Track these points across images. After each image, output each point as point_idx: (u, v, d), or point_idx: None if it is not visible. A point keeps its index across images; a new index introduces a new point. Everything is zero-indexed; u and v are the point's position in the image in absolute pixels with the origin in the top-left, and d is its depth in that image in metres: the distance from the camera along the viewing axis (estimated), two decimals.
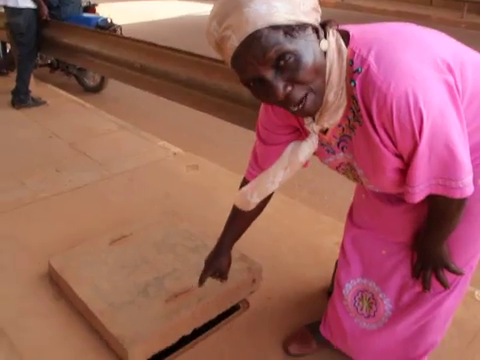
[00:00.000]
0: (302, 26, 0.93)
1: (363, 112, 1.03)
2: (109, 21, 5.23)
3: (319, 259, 2.23)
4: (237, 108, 2.64)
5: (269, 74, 0.94)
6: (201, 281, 1.59)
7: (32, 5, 4.19)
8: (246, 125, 2.55)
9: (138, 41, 3.34)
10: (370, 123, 1.03)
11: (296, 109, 1.01)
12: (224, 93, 2.68)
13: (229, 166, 3.18)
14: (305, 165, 1.33)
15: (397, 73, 0.95)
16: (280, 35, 0.90)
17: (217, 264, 1.59)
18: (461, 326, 1.84)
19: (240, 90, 2.45)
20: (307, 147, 1.22)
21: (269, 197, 1.42)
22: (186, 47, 3.11)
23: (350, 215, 1.54)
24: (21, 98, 4.46)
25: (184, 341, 1.77)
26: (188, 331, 1.78)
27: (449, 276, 1.29)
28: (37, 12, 4.27)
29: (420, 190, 1.07)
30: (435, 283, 1.30)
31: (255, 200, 1.32)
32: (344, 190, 2.97)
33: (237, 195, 1.37)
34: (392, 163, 1.07)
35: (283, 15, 0.90)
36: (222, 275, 1.63)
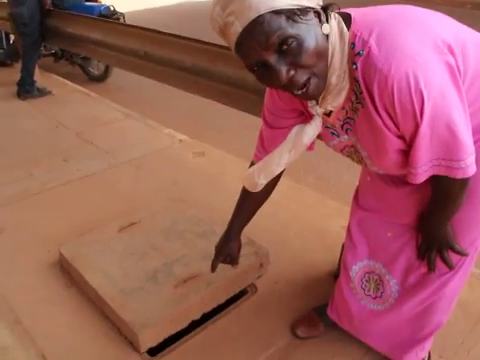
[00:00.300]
0: (304, 10, 0.94)
1: (365, 94, 1.04)
2: (112, 9, 5.22)
3: (326, 243, 2.25)
4: (242, 94, 2.64)
5: (272, 58, 0.96)
6: (213, 267, 1.62)
7: None
8: (251, 111, 2.55)
9: (142, 29, 3.33)
10: (372, 105, 1.04)
11: (300, 92, 1.02)
12: (229, 79, 2.68)
13: (235, 152, 3.19)
14: (310, 148, 1.35)
15: (398, 55, 0.96)
16: (282, 20, 0.92)
17: (227, 249, 1.61)
18: (466, 307, 1.85)
19: (245, 76, 2.45)
20: (311, 130, 1.23)
21: (276, 181, 1.44)
22: (187, 33, 3.11)
23: (356, 198, 1.55)
24: (27, 88, 4.47)
25: (194, 325, 1.80)
26: (197, 316, 1.81)
27: (454, 257, 1.30)
28: (40, 2, 4.27)
29: (423, 171, 1.08)
30: (440, 264, 1.32)
31: (262, 181, 1.34)
32: (350, 174, 2.97)
33: (244, 176, 1.39)
34: (394, 144, 1.08)
35: (285, 0, 0.91)
36: (233, 260, 1.65)
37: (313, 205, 2.62)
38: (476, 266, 1.99)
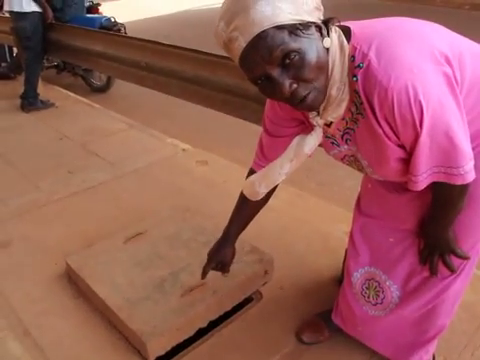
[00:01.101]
0: (306, 25, 0.98)
1: (366, 106, 1.07)
2: (113, 21, 5.27)
3: (329, 248, 2.27)
4: (243, 103, 2.68)
5: (275, 72, 0.99)
6: (204, 273, 1.64)
7: (37, 8, 4.23)
8: (252, 119, 2.58)
9: (143, 40, 3.37)
10: (373, 116, 1.07)
11: (299, 104, 1.05)
12: (229, 88, 2.72)
13: (238, 161, 3.22)
14: (309, 156, 1.38)
15: (397, 67, 0.99)
16: (285, 34, 0.95)
17: (220, 256, 1.63)
18: (470, 310, 1.87)
19: (245, 85, 2.48)
20: (312, 140, 1.26)
21: (274, 189, 1.47)
22: (188, 41, 3.15)
23: (358, 204, 1.58)
24: (30, 101, 4.52)
25: (200, 333, 1.82)
26: (204, 323, 1.83)
27: (455, 260, 1.32)
28: (43, 16, 4.32)
29: (423, 178, 1.11)
30: (442, 268, 1.34)
31: (263, 190, 1.37)
32: (352, 180, 2.99)
33: (245, 184, 1.41)
34: (395, 153, 1.11)
35: (287, 15, 0.95)
36: (224, 267, 1.67)
37: (316, 211, 2.65)
38: (479, 268, 2.02)
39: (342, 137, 1.22)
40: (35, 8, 4.22)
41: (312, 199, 2.79)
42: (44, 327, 1.90)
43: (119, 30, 5.18)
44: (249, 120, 2.65)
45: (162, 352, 1.72)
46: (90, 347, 1.80)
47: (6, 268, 2.26)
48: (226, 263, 1.66)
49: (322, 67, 1.02)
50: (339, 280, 1.91)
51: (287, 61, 0.97)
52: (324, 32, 1.03)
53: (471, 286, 1.78)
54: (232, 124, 3.37)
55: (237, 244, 1.69)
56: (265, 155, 1.41)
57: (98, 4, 6.20)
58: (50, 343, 1.82)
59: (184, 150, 3.52)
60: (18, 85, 5.23)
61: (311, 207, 2.69)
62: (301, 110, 1.14)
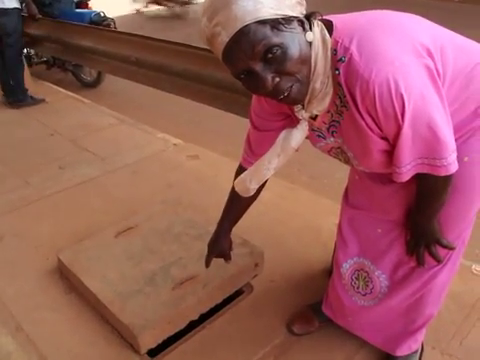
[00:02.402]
0: (287, 19, 0.98)
1: (348, 98, 1.08)
2: (102, 15, 5.25)
3: (320, 241, 2.29)
4: (233, 97, 2.69)
5: (258, 67, 1.00)
6: (207, 263, 1.67)
7: (18, 5, 4.22)
8: (242, 113, 2.59)
9: (132, 35, 3.37)
10: (355, 109, 1.08)
11: (282, 97, 1.06)
12: (219, 83, 2.73)
13: (229, 155, 3.22)
14: (296, 150, 1.39)
15: (378, 61, 1.00)
16: (267, 29, 0.96)
17: (219, 246, 1.66)
18: (458, 299, 1.89)
19: (235, 79, 2.48)
20: (298, 134, 1.27)
21: (265, 182, 1.48)
22: (178, 36, 3.15)
23: (345, 197, 1.60)
24: (19, 98, 4.50)
25: (192, 326, 1.84)
26: (195, 316, 1.84)
27: (441, 250, 1.34)
28: (22, 12, 4.29)
29: (407, 170, 1.13)
30: (428, 258, 1.35)
31: (254, 186, 1.38)
32: (342, 173, 2.97)
33: (237, 182, 1.42)
34: (378, 145, 1.13)
35: (269, 10, 0.95)
36: (225, 256, 1.70)
37: (307, 204, 2.66)
38: (468, 259, 2.04)
39: (328, 130, 1.24)
40: (16, 4, 4.20)
41: (303, 192, 2.81)
42: (37, 322, 1.91)
43: (109, 25, 5.16)
44: (239, 114, 2.66)
45: (154, 345, 1.74)
46: (83, 341, 1.81)
47: None
48: (225, 252, 1.69)
49: (305, 61, 1.03)
50: (329, 272, 1.92)
51: (269, 55, 0.98)
52: (306, 26, 1.03)
53: (459, 276, 1.82)
54: (222, 118, 3.38)
55: None
56: (253, 151, 1.42)
57: None
58: (43, 338, 1.83)
59: (175, 145, 3.52)
60: None
61: (302, 200, 2.70)
62: (285, 103, 1.15)
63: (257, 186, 1.38)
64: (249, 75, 1.02)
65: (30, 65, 5.35)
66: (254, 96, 1.34)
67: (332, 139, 1.25)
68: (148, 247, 2.10)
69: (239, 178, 1.41)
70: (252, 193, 1.41)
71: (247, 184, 1.37)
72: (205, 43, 1.05)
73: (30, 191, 2.93)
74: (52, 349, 1.78)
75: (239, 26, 0.95)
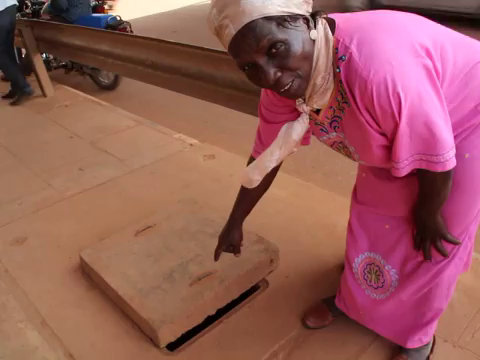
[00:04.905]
0: (293, 17, 1.04)
1: (348, 95, 1.13)
2: (118, 19, 5.34)
3: (334, 237, 2.32)
4: (247, 97, 2.72)
5: (262, 60, 1.05)
6: (216, 255, 1.71)
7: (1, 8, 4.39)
8: (256, 113, 2.60)
9: (147, 38, 3.43)
10: (355, 105, 1.13)
11: (283, 91, 1.11)
12: (233, 83, 2.76)
13: (244, 154, 3.23)
14: (306, 143, 1.45)
15: (376, 60, 1.05)
16: (273, 25, 1.01)
17: (230, 238, 1.70)
18: (470, 293, 1.92)
19: (248, 81, 2.53)
20: (299, 126, 1.32)
21: (273, 176, 1.55)
22: (194, 36, 3.19)
23: (354, 194, 1.64)
24: (25, 91, 4.65)
25: (209, 320, 1.90)
26: (212, 311, 1.90)
27: (447, 245, 1.37)
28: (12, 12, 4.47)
29: (405, 165, 1.17)
30: (435, 252, 1.39)
31: (257, 177, 1.43)
32: (357, 170, 3.03)
33: (241, 175, 1.48)
34: (377, 140, 1.18)
35: (276, 7, 1.00)
36: (235, 249, 1.73)
37: (321, 201, 2.70)
38: (479, 252, 2.06)
39: (330, 124, 1.29)
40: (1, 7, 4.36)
41: (317, 189, 2.85)
42: (61, 318, 1.99)
43: (125, 28, 5.25)
44: (253, 114, 2.69)
45: (173, 339, 1.81)
46: (105, 335, 1.88)
47: (23, 263, 2.36)
48: (235, 245, 1.72)
49: (307, 58, 1.08)
50: (343, 267, 1.96)
51: (273, 50, 1.03)
52: (311, 24, 1.08)
53: (472, 270, 1.85)
54: (237, 118, 3.42)
55: (244, 235, 1.75)
56: (262, 142, 1.48)
57: (104, 3, 6.28)
58: (67, 332, 1.91)
59: (191, 145, 3.59)
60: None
61: (316, 197, 2.74)
62: (285, 97, 1.19)
63: (260, 177, 1.43)
64: (253, 67, 1.07)
65: (49, 69, 5.47)
66: (263, 90, 1.39)
67: (334, 134, 1.30)
68: (166, 245, 2.17)
69: (243, 171, 1.46)
70: (256, 185, 1.45)
71: (250, 175, 1.42)
72: (212, 33, 1.11)
73: (52, 193, 3.03)
74: (76, 343, 1.86)
75: (246, 21, 1.00)
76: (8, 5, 4.38)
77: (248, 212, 1.68)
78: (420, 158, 1.15)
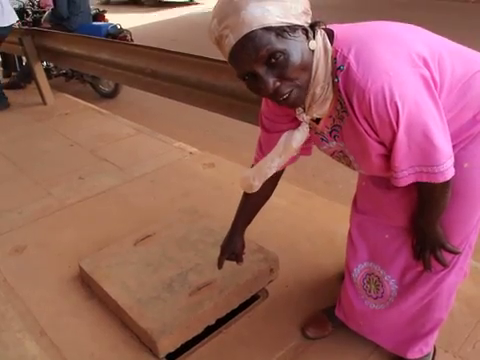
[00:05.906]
0: (292, 28, 1.05)
1: (347, 105, 1.14)
2: (119, 27, 5.36)
3: (334, 246, 2.32)
4: (247, 106, 2.73)
5: (261, 70, 1.06)
6: (219, 264, 1.71)
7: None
8: (256, 122, 2.60)
9: (147, 47, 3.44)
10: (354, 115, 1.14)
11: (281, 100, 1.12)
12: (233, 92, 2.77)
13: (244, 162, 3.26)
14: (307, 153, 1.46)
15: (374, 70, 1.06)
16: (272, 36, 1.02)
17: (232, 247, 1.70)
18: (471, 303, 1.91)
19: (248, 90, 2.54)
20: (299, 135, 1.33)
21: (275, 184, 1.55)
22: (194, 44, 3.20)
23: (354, 203, 1.64)
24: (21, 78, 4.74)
25: (209, 330, 1.89)
26: (212, 321, 1.90)
27: (447, 255, 1.37)
28: None
29: (404, 175, 1.18)
30: (435, 262, 1.38)
31: (257, 183, 1.43)
32: (357, 178, 3.04)
33: (241, 179, 1.48)
34: (376, 150, 1.18)
35: (275, 18, 1.02)
36: (237, 257, 1.73)
37: (321, 209, 2.70)
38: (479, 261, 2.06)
39: (330, 134, 1.29)
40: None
41: (317, 198, 2.85)
42: (59, 327, 1.98)
43: (125, 36, 5.27)
44: (253, 123, 2.70)
45: (172, 349, 1.80)
46: (104, 345, 1.87)
47: (22, 272, 2.35)
48: (238, 253, 1.72)
49: (305, 68, 1.09)
50: (343, 277, 1.96)
51: (272, 60, 1.04)
52: (310, 35, 1.09)
53: (472, 280, 1.85)
54: (237, 126, 3.42)
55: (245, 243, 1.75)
56: (263, 151, 1.48)
57: (104, 11, 6.31)
58: (65, 342, 1.90)
59: (191, 153, 3.59)
60: (28, 94, 5.38)
61: (316, 206, 2.74)
62: (284, 106, 1.20)
63: (260, 183, 1.43)
64: (252, 77, 1.08)
65: (49, 77, 5.49)
66: (263, 99, 1.40)
67: (334, 143, 1.31)
68: (166, 254, 2.17)
69: (242, 175, 1.47)
70: (256, 190, 1.45)
71: (251, 181, 1.43)
72: (213, 42, 1.12)
73: (52, 201, 3.03)
74: (74, 353, 1.85)
75: (246, 31, 1.01)
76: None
77: (250, 220, 1.68)
78: (421, 170, 1.16)
